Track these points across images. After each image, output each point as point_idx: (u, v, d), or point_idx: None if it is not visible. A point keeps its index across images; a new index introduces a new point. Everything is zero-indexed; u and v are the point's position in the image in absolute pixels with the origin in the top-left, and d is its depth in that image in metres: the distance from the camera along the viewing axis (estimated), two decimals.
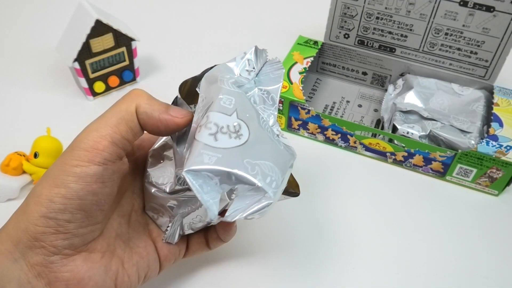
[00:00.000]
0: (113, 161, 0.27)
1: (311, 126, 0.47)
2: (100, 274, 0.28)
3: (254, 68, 0.30)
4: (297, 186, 0.32)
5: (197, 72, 0.30)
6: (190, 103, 0.30)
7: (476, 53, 0.47)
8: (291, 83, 0.47)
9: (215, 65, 0.30)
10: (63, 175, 0.26)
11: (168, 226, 0.32)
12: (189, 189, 0.30)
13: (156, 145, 0.32)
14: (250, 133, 0.27)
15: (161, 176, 0.31)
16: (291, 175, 0.31)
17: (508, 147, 0.41)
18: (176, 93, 0.31)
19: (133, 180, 0.33)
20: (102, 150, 0.26)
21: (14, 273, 0.25)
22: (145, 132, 0.29)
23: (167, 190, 0.31)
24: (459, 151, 0.42)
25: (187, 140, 0.28)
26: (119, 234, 0.30)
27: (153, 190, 0.31)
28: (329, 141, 0.48)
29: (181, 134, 0.30)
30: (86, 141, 0.26)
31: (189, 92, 0.30)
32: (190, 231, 0.33)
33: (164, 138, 0.32)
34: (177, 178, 0.30)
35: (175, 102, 0.31)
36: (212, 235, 0.34)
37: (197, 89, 0.29)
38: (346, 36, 0.52)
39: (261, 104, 0.30)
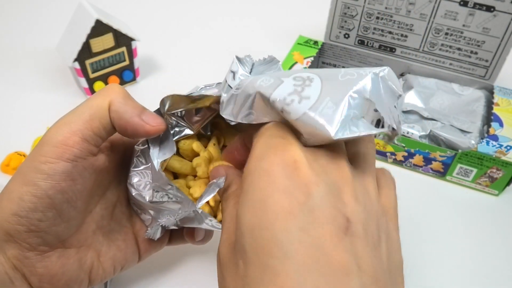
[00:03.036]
0: (84, 158, 0.26)
1: None
2: (74, 269, 0.28)
3: (241, 75, 0.28)
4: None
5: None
6: (169, 111, 0.29)
7: (476, 53, 0.47)
8: None
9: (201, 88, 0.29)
10: (32, 172, 0.25)
11: (149, 226, 0.31)
12: (167, 202, 0.29)
13: (144, 146, 0.30)
14: (314, 77, 0.23)
15: (144, 182, 0.30)
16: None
17: (508, 147, 0.41)
18: (176, 92, 0.30)
19: (120, 171, 0.31)
20: (72, 146, 0.25)
21: None
22: None
23: (147, 199, 0.30)
24: (459, 151, 0.42)
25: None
26: (100, 226, 0.30)
27: (134, 193, 0.30)
28: None
29: (155, 143, 0.29)
30: (55, 136, 0.25)
31: (173, 108, 0.29)
32: (174, 228, 0.31)
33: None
34: (157, 193, 0.29)
35: (158, 113, 0.29)
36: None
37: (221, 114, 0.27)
38: (346, 36, 0.52)
39: (267, 70, 0.28)
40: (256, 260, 0.19)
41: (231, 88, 0.26)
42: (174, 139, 0.29)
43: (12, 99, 0.52)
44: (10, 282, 0.26)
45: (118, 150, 0.30)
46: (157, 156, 0.28)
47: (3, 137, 0.47)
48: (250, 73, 0.28)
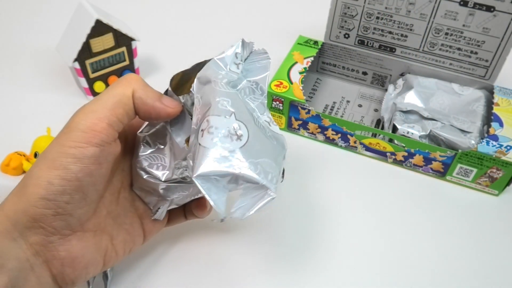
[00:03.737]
0: (109, 143, 0.28)
1: (311, 126, 0.47)
2: (92, 252, 0.29)
3: (241, 60, 0.31)
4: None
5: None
6: (179, 95, 0.31)
7: (476, 53, 0.47)
8: (291, 83, 0.47)
9: (205, 60, 0.31)
10: (62, 157, 0.26)
11: (158, 208, 0.34)
12: (184, 180, 0.32)
13: (150, 131, 0.32)
14: (249, 133, 0.28)
15: (155, 164, 0.32)
16: None
17: (508, 147, 0.41)
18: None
19: (122, 159, 0.33)
20: (100, 132, 0.27)
21: (13, 251, 0.26)
22: None
23: (162, 179, 0.32)
24: (459, 151, 0.42)
25: (190, 144, 0.29)
26: (109, 211, 0.31)
27: (145, 176, 0.32)
28: (329, 141, 0.48)
29: (176, 124, 0.31)
30: (83, 123, 0.27)
31: (178, 84, 0.31)
32: (174, 206, 0.35)
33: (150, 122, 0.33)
34: (177, 170, 0.32)
35: (165, 93, 0.31)
36: (189, 209, 0.36)
37: (191, 90, 0.30)
38: (346, 36, 0.52)
39: (251, 95, 0.31)
40: None
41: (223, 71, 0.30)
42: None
43: (12, 99, 0.53)
44: (30, 268, 0.26)
45: (121, 137, 0.32)
46: (178, 135, 0.31)
47: (3, 137, 0.48)
48: (245, 59, 0.32)
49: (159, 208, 0.34)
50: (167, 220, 0.36)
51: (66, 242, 0.28)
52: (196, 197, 0.34)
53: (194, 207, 0.35)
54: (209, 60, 0.31)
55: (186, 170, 0.32)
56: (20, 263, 0.26)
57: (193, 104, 0.30)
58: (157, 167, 0.32)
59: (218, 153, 0.26)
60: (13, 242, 0.26)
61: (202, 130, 0.27)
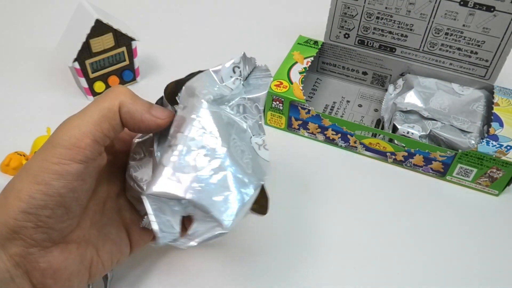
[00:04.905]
0: (94, 159, 0.27)
1: (311, 126, 0.47)
2: (75, 263, 0.29)
3: (240, 75, 0.30)
4: (264, 206, 0.32)
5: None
6: (173, 104, 0.30)
7: (476, 53, 0.47)
8: (291, 83, 0.47)
9: (199, 71, 0.30)
10: (44, 172, 0.26)
11: (144, 215, 0.33)
12: None
13: (142, 139, 0.32)
14: (218, 158, 0.27)
15: (140, 172, 0.31)
16: (264, 195, 0.31)
17: (508, 147, 0.41)
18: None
19: (109, 169, 0.32)
20: (84, 149, 0.26)
21: None
22: None
23: (144, 188, 0.31)
24: (459, 151, 0.42)
25: (159, 158, 0.28)
26: (94, 222, 0.31)
27: (131, 184, 0.32)
28: (329, 141, 0.48)
29: (162, 134, 0.30)
30: (67, 138, 0.26)
31: (172, 93, 0.30)
32: None
33: None
34: None
35: (159, 102, 0.31)
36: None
37: (176, 98, 0.29)
38: (346, 36, 0.52)
39: (243, 113, 0.30)
40: None
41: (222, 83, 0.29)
42: None
43: (12, 99, 0.52)
44: (10, 280, 0.26)
45: (108, 147, 0.31)
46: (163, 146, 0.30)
47: (3, 137, 0.48)
48: (246, 77, 0.30)
49: (146, 217, 0.33)
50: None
51: (47, 254, 0.27)
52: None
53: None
54: (204, 71, 0.30)
55: None
56: (0, 273, 0.26)
57: None
58: (142, 175, 0.31)
59: (176, 173, 0.25)
60: None
61: (169, 146, 0.26)
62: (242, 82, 0.30)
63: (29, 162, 0.27)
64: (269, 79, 0.31)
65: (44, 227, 0.26)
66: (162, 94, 0.31)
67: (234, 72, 0.30)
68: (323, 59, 0.55)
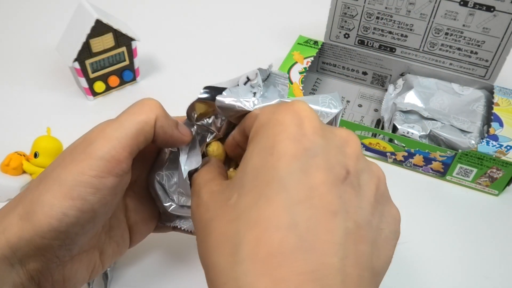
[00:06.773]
0: (128, 172, 0.26)
1: None
2: (82, 271, 0.28)
3: (259, 85, 0.29)
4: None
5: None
6: (197, 122, 0.30)
7: (476, 53, 0.47)
8: (291, 83, 0.47)
9: (215, 86, 0.29)
10: (81, 186, 0.24)
11: (163, 213, 0.33)
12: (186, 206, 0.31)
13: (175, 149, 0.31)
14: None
15: (168, 183, 0.32)
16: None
17: (508, 147, 0.41)
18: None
19: None
20: (122, 162, 0.25)
21: (10, 277, 0.25)
22: None
23: (176, 201, 0.31)
24: (459, 151, 0.42)
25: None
26: (104, 226, 0.30)
27: (159, 192, 0.31)
28: None
29: (186, 150, 0.30)
30: (107, 151, 0.25)
31: (198, 114, 0.29)
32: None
33: None
34: (180, 196, 0.31)
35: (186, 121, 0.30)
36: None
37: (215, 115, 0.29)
38: (346, 36, 0.52)
39: None
40: (253, 190, 0.21)
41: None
42: (207, 140, 0.30)
43: (12, 99, 0.52)
44: None
45: None
46: (185, 163, 0.29)
47: (3, 137, 0.47)
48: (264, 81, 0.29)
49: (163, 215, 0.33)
50: (155, 227, 0.34)
51: (62, 267, 0.27)
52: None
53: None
54: (223, 88, 0.28)
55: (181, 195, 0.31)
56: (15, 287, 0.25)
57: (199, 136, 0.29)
58: (169, 189, 0.31)
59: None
60: (11, 267, 0.25)
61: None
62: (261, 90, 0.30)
63: (61, 173, 0.25)
64: (286, 88, 0.30)
65: (70, 244, 0.25)
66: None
67: (252, 87, 0.28)
68: (323, 59, 0.55)
